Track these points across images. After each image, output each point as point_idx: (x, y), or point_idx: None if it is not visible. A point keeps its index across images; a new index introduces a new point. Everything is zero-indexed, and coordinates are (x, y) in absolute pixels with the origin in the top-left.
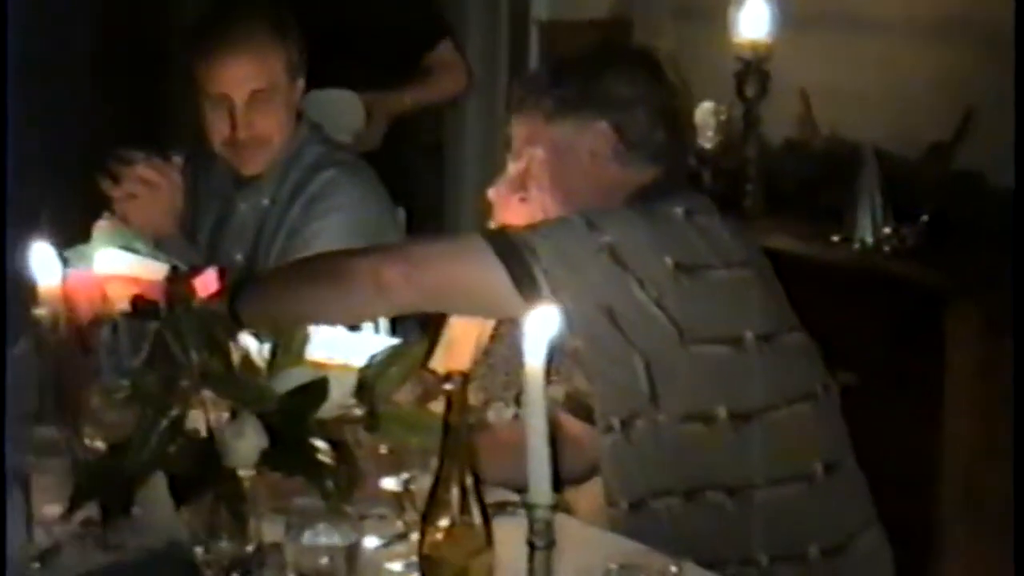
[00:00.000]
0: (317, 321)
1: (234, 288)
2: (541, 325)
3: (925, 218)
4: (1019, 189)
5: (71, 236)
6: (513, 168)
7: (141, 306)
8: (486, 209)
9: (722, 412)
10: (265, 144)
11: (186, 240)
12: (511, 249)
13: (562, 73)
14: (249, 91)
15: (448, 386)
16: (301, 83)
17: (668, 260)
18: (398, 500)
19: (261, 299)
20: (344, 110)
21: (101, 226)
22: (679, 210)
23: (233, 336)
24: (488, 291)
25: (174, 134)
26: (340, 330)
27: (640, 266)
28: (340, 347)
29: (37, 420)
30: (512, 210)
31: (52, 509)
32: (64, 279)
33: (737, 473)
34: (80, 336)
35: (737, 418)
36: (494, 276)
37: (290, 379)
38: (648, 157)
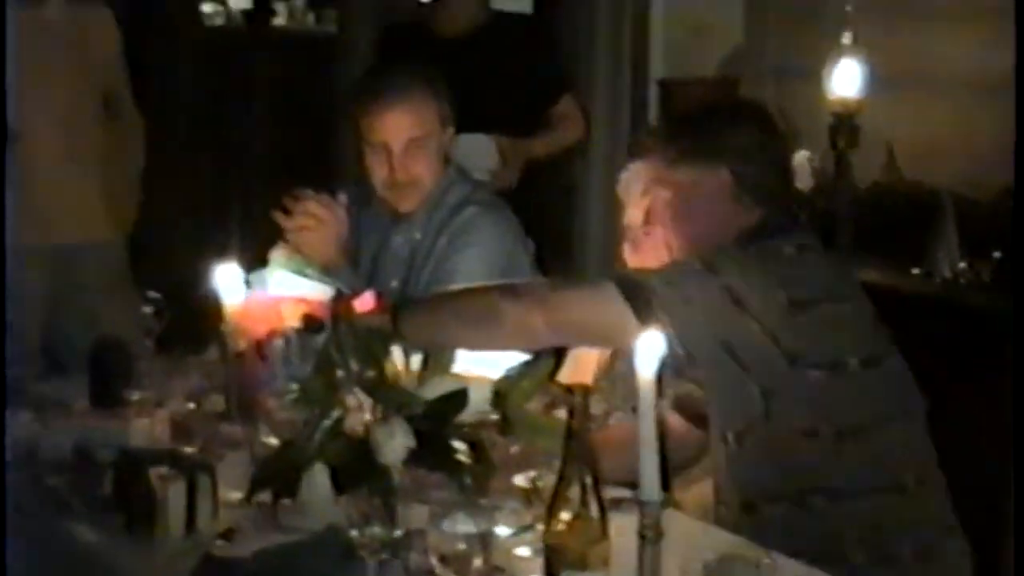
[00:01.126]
0: (466, 348)
1: (397, 309)
2: (651, 346)
3: (997, 255)
4: (1019, 190)
5: (252, 262)
6: (636, 207)
7: (310, 323)
8: (612, 243)
9: (826, 428)
10: (418, 185)
11: (348, 267)
12: (638, 294)
13: (686, 125)
14: (406, 139)
15: (573, 397)
16: (450, 131)
17: (782, 297)
18: (526, 495)
19: (421, 324)
20: (482, 152)
21: (277, 254)
22: (790, 248)
23: (387, 350)
24: (617, 331)
25: (338, 175)
26: None
27: (756, 305)
28: (478, 361)
29: (223, 418)
30: (637, 243)
31: (234, 494)
32: (246, 299)
33: (839, 482)
34: (258, 348)
35: (840, 434)
36: (623, 318)
37: (435, 388)
38: (760, 199)
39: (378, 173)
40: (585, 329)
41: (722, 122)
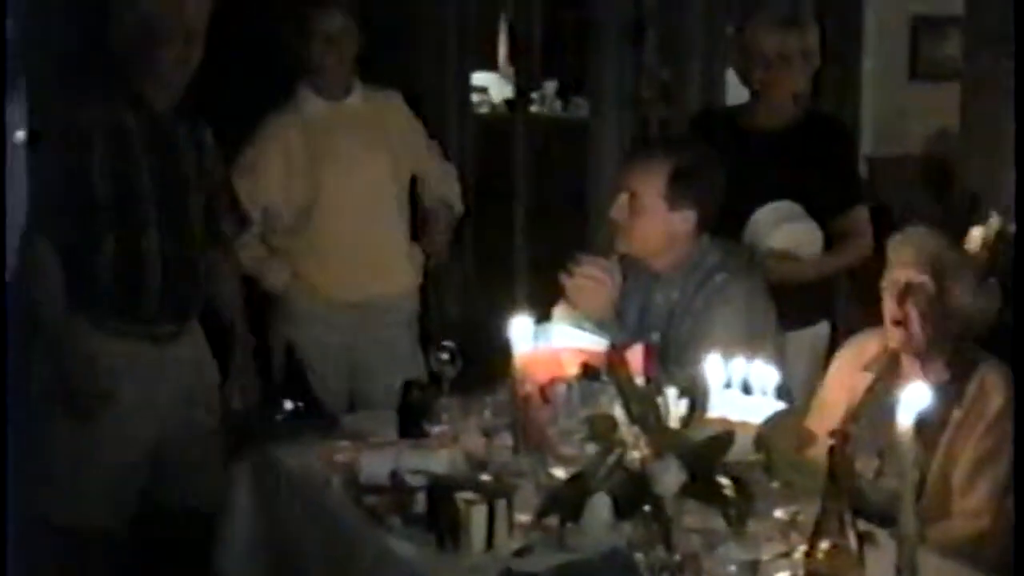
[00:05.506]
0: None
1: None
2: (914, 398)
3: None
4: (1020, 190)
5: (540, 317)
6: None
7: (587, 371)
8: None
9: None
10: (639, 247)
11: (618, 322)
12: None
13: None
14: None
15: (831, 440)
16: (689, 214)
17: None
18: (786, 527)
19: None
20: (814, 240)
21: (559, 310)
22: None
23: (661, 395)
24: None
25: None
26: (737, 394)
27: None
28: (740, 408)
29: (514, 451)
30: None
31: (525, 517)
32: (533, 349)
33: None
34: (542, 391)
35: None
36: None
37: (703, 431)
38: None
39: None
40: None
41: None
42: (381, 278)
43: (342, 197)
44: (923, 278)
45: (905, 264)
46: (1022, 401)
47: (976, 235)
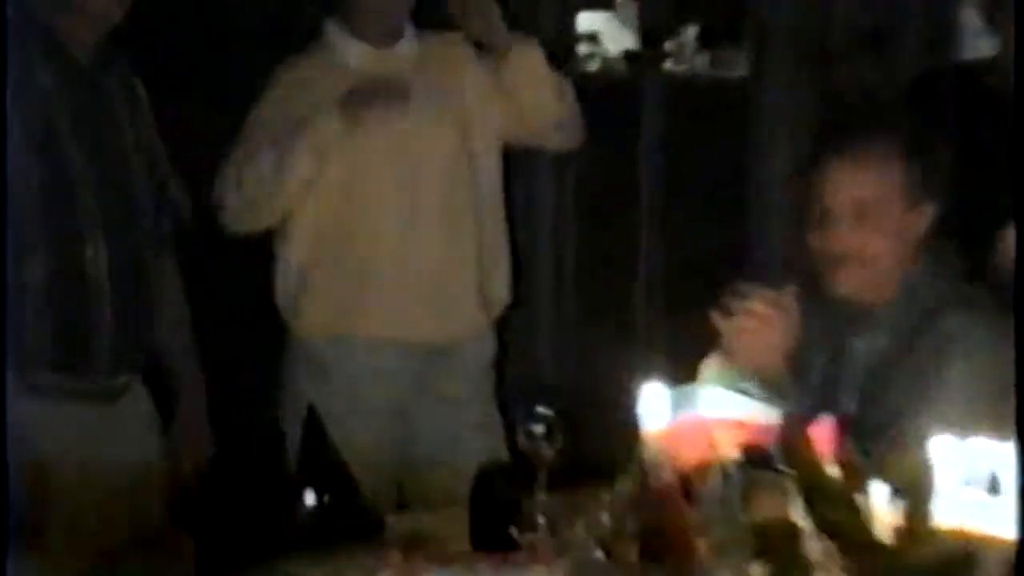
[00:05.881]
0: None
1: None
2: None
3: None
4: (1018, 190)
5: (680, 376)
6: None
7: (751, 454)
8: None
9: None
10: (868, 264)
11: (798, 383)
12: None
13: None
14: (850, 202)
15: None
16: (928, 211)
17: None
18: None
19: None
20: None
21: (709, 364)
22: None
23: (863, 491)
24: None
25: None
26: (982, 494)
27: None
28: (987, 514)
29: (642, 572)
30: None
31: None
32: (672, 421)
33: None
34: (685, 483)
35: None
36: None
37: (930, 548)
38: None
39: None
40: None
41: None
42: (444, 313)
43: (389, 191)
44: None
45: None
46: (1022, 398)
47: None
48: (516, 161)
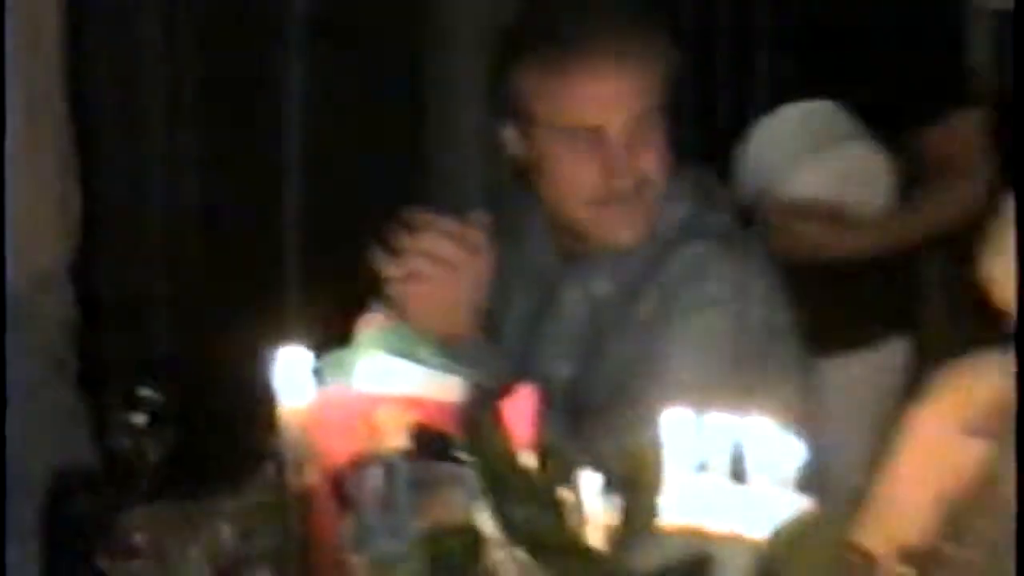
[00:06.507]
0: None
1: None
2: None
3: None
4: (1019, 189)
5: (326, 338)
6: None
7: (426, 439)
8: None
9: None
10: (650, 193)
11: (487, 343)
12: None
13: None
14: (627, 117)
15: (900, 570)
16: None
17: None
18: None
19: None
20: (875, 180)
21: (369, 323)
22: None
23: (569, 484)
24: None
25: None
26: (724, 481)
27: None
28: (729, 509)
29: None
30: None
31: None
32: (318, 399)
33: None
34: (337, 481)
35: None
36: None
37: (654, 551)
38: None
39: (583, 179)
40: None
41: None
42: None
43: None
44: None
45: None
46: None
47: None
48: None
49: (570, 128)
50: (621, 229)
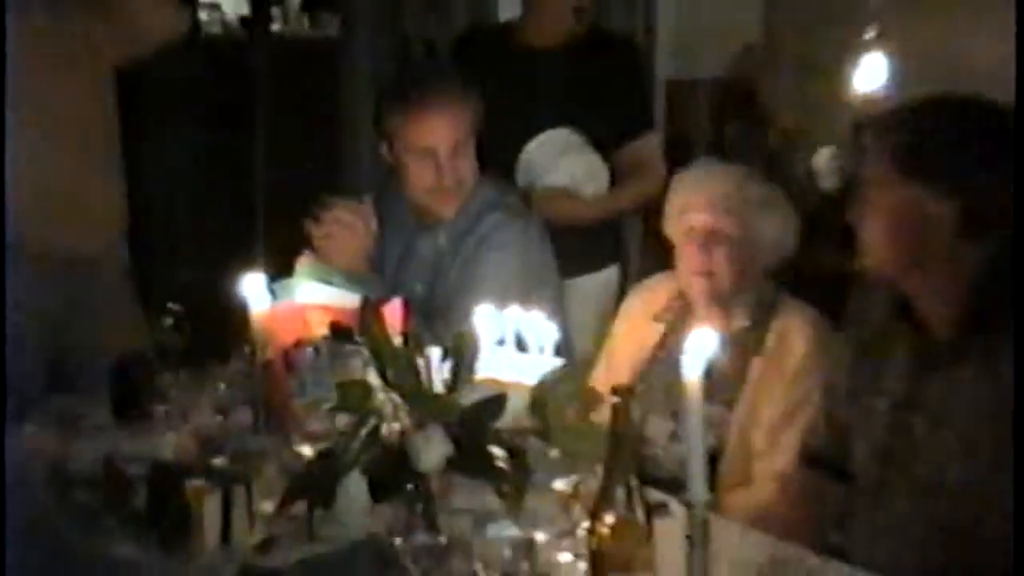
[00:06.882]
0: None
1: None
2: (700, 346)
3: None
4: (1019, 187)
5: (278, 271)
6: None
7: (338, 331)
8: None
9: None
10: (463, 188)
11: (374, 274)
12: None
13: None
14: (453, 142)
15: (614, 399)
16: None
17: None
18: (567, 500)
19: None
20: (598, 176)
21: (303, 262)
22: None
23: (422, 356)
24: None
25: (353, 182)
26: (511, 352)
27: None
28: (514, 367)
29: (253, 430)
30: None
31: (268, 505)
32: (272, 308)
33: None
34: (286, 357)
35: None
36: None
37: (471, 395)
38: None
39: (423, 179)
40: None
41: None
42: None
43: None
44: (727, 221)
45: (705, 207)
46: (1022, 393)
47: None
48: None
49: (415, 149)
50: (447, 208)
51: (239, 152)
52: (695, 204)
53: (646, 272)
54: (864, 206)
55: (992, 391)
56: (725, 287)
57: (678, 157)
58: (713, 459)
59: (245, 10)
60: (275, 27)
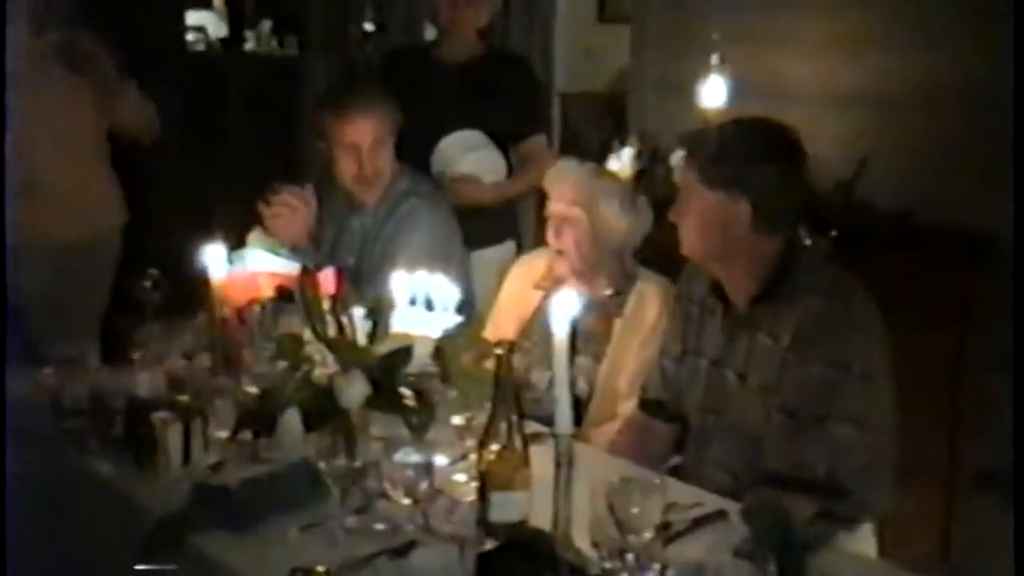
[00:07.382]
0: None
1: None
2: (564, 305)
3: (834, 233)
4: (1019, 190)
5: (234, 243)
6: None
7: (281, 294)
8: None
9: None
10: (381, 178)
11: (313, 248)
12: None
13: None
14: (371, 140)
15: (498, 350)
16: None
17: None
18: (461, 432)
19: None
20: (496, 167)
21: (254, 236)
22: None
23: (347, 314)
24: None
25: (301, 172)
26: (421, 311)
27: None
28: (422, 323)
29: (212, 373)
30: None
31: (222, 433)
32: (229, 274)
33: None
34: (239, 314)
35: None
36: None
37: (386, 345)
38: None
39: (349, 170)
40: None
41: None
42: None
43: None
44: (575, 210)
45: (559, 198)
46: (1021, 389)
47: (625, 156)
48: None
49: (343, 145)
50: (369, 194)
51: (213, 147)
52: (554, 195)
53: (539, 246)
54: (679, 207)
55: (777, 351)
56: (575, 263)
57: (571, 154)
58: (586, 401)
59: (224, 32)
60: (248, 46)
